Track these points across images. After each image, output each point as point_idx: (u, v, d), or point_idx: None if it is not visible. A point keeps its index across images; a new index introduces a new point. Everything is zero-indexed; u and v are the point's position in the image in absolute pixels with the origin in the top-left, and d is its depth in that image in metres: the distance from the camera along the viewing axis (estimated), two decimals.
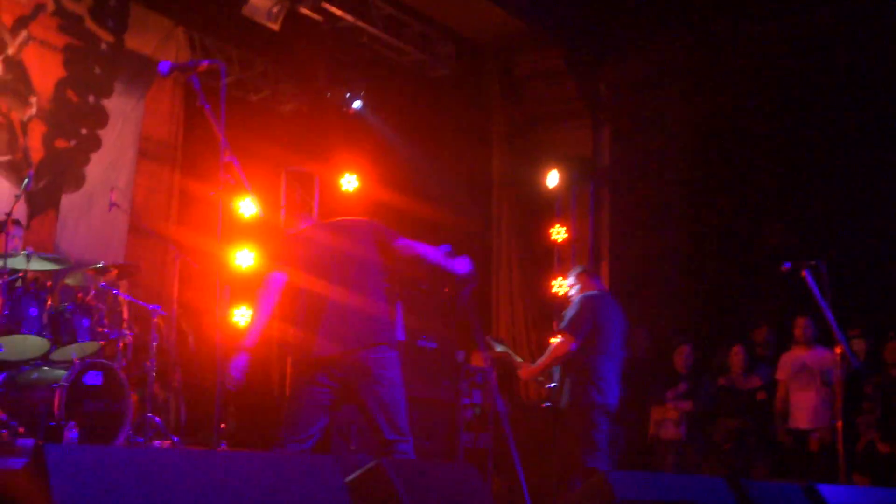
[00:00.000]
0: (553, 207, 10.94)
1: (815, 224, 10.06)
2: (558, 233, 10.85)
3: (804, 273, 6.01)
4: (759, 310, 10.06)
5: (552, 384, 6.97)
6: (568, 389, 6.79)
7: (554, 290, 10.58)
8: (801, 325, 9.01)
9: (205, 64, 4.87)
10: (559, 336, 6.97)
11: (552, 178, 10.74)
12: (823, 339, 8.70)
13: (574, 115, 11.24)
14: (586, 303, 6.88)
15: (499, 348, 7.78)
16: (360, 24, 10.32)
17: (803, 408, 8.97)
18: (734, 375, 9.47)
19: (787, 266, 6.07)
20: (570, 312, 6.91)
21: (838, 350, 6.32)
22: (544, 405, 7.08)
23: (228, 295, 8.49)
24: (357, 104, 10.97)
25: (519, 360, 7.36)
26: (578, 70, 11.18)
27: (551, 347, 7.04)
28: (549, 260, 10.85)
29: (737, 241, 10.40)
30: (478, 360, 9.79)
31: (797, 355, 9.09)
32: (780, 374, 9.17)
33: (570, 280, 7.22)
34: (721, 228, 10.56)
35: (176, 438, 7.43)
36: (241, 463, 3.21)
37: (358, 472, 3.70)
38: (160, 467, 2.94)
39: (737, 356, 9.45)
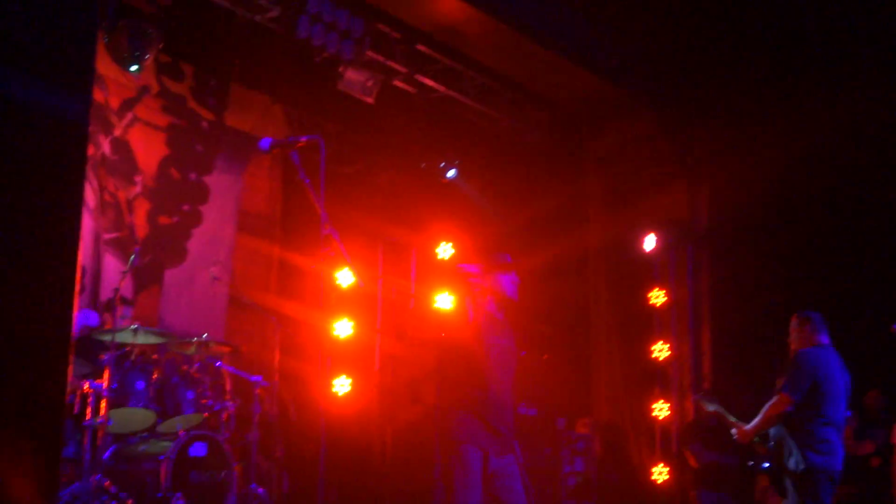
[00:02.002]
0: (651, 271, 10.83)
1: None
2: (657, 296, 10.74)
3: None
4: (869, 373, 9.74)
5: (769, 444, 6.79)
6: (792, 451, 6.62)
7: (654, 355, 10.44)
8: None
9: (304, 140, 4.97)
10: (777, 395, 6.74)
11: (649, 242, 10.67)
12: None
13: (669, 177, 11.17)
14: (803, 359, 6.71)
15: (710, 408, 7.63)
16: (453, 94, 10.45)
17: None
18: (845, 441, 9.15)
19: None
20: (789, 370, 6.72)
21: None
22: (763, 466, 6.89)
23: (329, 365, 8.54)
24: (451, 173, 11.05)
25: (732, 419, 7.18)
26: (672, 132, 11.13)
27: (767, 406, 6.79)
28: (649, 324, 10.72)
29: (843, 303, 10.11)
30: (581, 427, 9.65)
31: None
32: None
33: (791, 329, 6.98)
34: (825, 290, 10.28)
35: None
36: None
37: None
38: None
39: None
